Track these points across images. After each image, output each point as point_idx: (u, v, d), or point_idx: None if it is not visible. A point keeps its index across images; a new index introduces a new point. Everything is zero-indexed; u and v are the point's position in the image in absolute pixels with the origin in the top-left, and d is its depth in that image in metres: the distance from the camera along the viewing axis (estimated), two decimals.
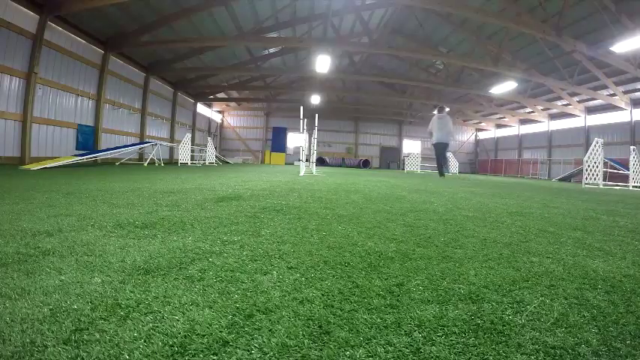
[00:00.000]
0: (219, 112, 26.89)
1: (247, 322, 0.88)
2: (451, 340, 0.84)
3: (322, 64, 13.97)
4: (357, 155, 27.81)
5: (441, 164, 9.80)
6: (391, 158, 28.05)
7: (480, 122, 26.91)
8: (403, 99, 21.47)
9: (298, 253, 1.46)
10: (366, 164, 25.46)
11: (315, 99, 20.86)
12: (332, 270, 1.27)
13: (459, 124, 28.34)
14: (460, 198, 3.96)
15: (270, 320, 0.89)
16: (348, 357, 0.77)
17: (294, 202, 2.87)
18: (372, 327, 0.88)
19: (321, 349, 0.78)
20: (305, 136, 9.43)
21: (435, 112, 9.72)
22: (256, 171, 9.39)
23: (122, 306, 0.92)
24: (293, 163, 24.90)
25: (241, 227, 1.86)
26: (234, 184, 4.48)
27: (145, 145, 12.53)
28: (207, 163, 15.36)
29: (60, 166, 7.51)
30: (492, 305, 1.03)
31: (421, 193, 4.27)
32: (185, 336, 0.81)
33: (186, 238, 1.61)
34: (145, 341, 0.78)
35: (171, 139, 17.73)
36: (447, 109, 8.24)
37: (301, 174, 8.27)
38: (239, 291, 1.05)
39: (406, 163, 18.84)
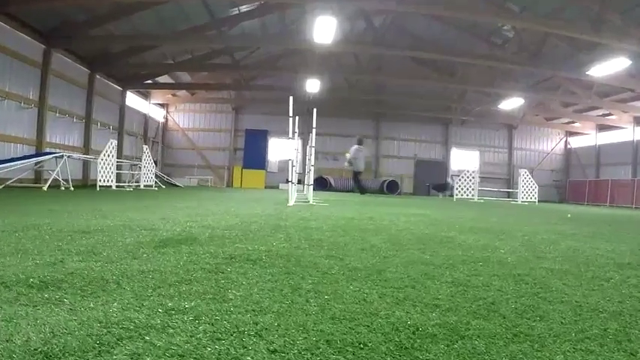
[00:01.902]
0: (162, 105, 27.22)
1: None
2: None
3: (323, 30, 14.10)
4: (378, 174, 27.96)
5: (364, 186, 18.26)
6: (433, 178, 28.18)
7: (573, 122, 27.15)
8: (452, 86, 21.75)
9: (286, 327, 1.47)
10: (392, 188, 25.49)
11: (313, 85, 21.11)
12: (339, 355, 1.28)
13: (542, 125, 28.40)
14: (541, 241, 3.98)
15: None
16: None
17: (279, 248, 2.93)
18: None
19: None
20: (297, 144, 9.48)
21: (356, 144, 18.19)
22: (220, 198, 9.42)
23: None
24: (278, 187, 24.96)
25: (197, 287, 1.88)
26: (186, 218, 4.57)
27: (45, 158, 12.63)
28: (142, 187, 15.47)
29: None
30: None
31: (480, 234, 4.31)
32: None
33: (110, 304, 1.62)
34: None
35: (86, 148, 17.89)
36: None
37: (291, 203, 8.32)
38: None
39: (456, 185, 19.10)
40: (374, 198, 15.66)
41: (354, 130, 28.04)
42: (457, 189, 19.13)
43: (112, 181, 13.44)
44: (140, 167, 16.25)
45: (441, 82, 21.32)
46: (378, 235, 3.92)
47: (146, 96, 24.99)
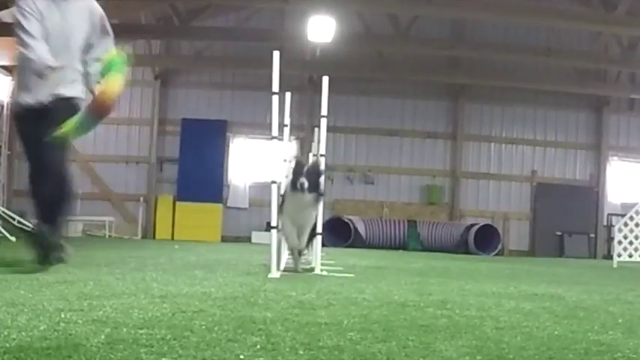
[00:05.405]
0: (7, 70, 15.98)
1: None
2: None
3: None
4: (455, 212, 18.11)
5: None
6: (571, 222, 18.03)
7: None
8: (610, 29, 13.01)
9: None
10: (486, 240, 16.65)
11: (322, 30, 12.99)
12: None
13: None
14: None
15: None
16: None
17: None
18: None
19: None
20: (288, 149, 7.02)
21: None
22: (132, 262, 6.97)
23: None
24: (250, 238, 16.81)
25: None
26: (60, 304, 3.33)
27: None
28: None
29: None
30: None
31: None
32: None
33: None
34: None
35: None
36: None
37: (275, 272, 5.91)
38: None
39: (617, 235, 12.38)
40: (448, 260, 10.40)
41: (406, 121, 18.36)
42: (621, 243, 12.05)
43: None
44: None
45: (589, 21, 12.34)
46: (455, 338, 2.48)
47: None
